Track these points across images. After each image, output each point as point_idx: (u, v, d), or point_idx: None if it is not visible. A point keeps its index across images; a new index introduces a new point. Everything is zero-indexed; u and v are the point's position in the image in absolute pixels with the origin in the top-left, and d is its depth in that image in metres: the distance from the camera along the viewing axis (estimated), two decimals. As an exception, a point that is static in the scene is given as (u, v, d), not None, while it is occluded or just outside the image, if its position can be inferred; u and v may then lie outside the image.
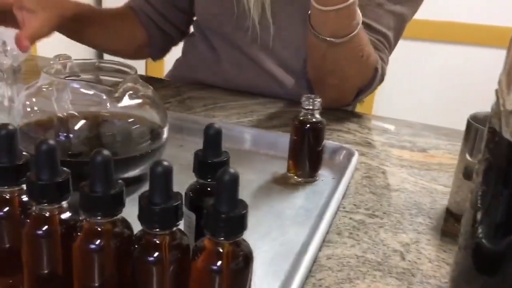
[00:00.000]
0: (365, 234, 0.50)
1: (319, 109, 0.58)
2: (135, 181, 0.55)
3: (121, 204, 0.33)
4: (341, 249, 0.47)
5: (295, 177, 0.60)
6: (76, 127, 0.51)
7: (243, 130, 0.71)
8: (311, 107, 0.58)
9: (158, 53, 1.04)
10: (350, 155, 0.62)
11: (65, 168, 0.35)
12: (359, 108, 1.06)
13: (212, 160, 0.39)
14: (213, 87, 0.96)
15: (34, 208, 0.34)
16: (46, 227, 0.34)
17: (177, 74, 1.05)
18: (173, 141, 0.69)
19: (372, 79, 0.82)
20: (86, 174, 0.47)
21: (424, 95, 2.12)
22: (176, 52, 1.08)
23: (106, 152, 0.32)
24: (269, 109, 0.86)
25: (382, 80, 0.85)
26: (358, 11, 0.72)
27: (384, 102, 1.99)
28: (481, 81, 2.03)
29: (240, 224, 0.31)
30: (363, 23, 0.83)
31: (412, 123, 0.85)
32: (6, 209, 0.36)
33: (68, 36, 0.92)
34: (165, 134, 0.56)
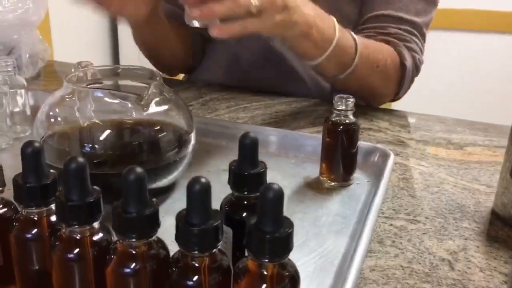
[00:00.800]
0: (409, 242, 0.47)
1: (352, 110, 0.55)
2: (164, 191, 0.53)
3: (156, 225, 0.31)
4: (384, 259, 0.44)
5: (329, 181, 0.57)
6: (102, 137, 0.49)
7: (270, 133, 0.68)
8: (344, 108, 0.55)
9: (201, 55, 1.00)
10: (385, 156, 0.59)
11: (95, 187, 0.32)
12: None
13: (248, 171, 0.36)
14: (233, 87, 0.94)
15: (64, 230, 0.32)
16: (77, 250, 0.32)
17: (195, 76, 1.02)
18: (199, 145, 0.67)
19: (402, 75, 0.79)
20: (113, 185, 0.46)
21: (441, 88, 2.06)
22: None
23: (139, 169, 0.30)
24: (294, 108, 0.83)
25: (417, 69, 0.82)
26: (348, 36, 0.71)
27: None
28: (499, 70, 1.98)
29: (286, 244, 0.29)
30: (389, 16, 0.80)
31: (444, 118, 0.81)
32: (34, 231, 0.34)
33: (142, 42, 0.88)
34: (192, 141, 0.54)
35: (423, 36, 0.84)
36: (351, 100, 0.55)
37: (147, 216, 0.30)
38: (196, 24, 0.59)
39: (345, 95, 0.55)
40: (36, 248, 0.34)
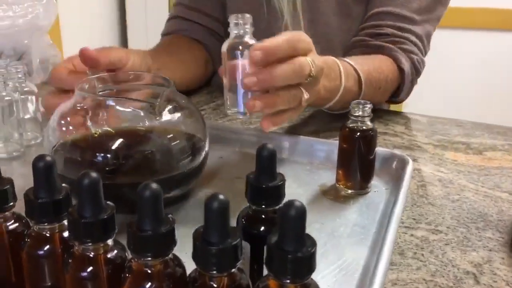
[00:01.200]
0: (431, 253, 0.45)
1: (370, 116, 0.54)
2: (177, 200, 0.52)
3: (173, 243, 0.29)
4: (406, 272, 0.43)
5: (345, 188, 0.56)
6: (114, 146, 0.48)
7: (284, 138, 0.67)
8: (361, 114, 0.53)
9: (218, 59, 0.97)
10: (403, 162, 0.58)
11: (109, 202, 0.31)
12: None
13: (266, 184, 0.35)
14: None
15: (77, 247, 0.31)
16: (90, 268, 0.31)
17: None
18: (211, 152, 0.65)
19: (401, 81, 0.79)
20: (125, 196, 0.45)
21: (454, 89, 2.03)
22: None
23: (154, 185, 0.29)
24: (307, 113, 0.82)
25: (417, 70, 0.80)
26: (352, 74, 0.69)
27: (413, 96, 1.91)
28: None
29: (308, 264, 0.27)
30: (389, 13, 0.78)
31: (461, 121, 0.79)
32: (46, 247, 0.33)
33: None
34: (206, 148, 0.52)
35: (427, 35, 0.81)
36: (368, 106, 0.53)
37: (164, 234, 0.29)
38: (240, 112, 0.55)
39: (362, 101, 0.54)
40: (48, 265, 0.33)
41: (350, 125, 0.54)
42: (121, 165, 0.47)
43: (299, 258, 0.27)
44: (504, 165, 0.63)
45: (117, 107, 0.49)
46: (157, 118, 0.47)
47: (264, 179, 0.35)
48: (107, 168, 0.46)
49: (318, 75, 0.56)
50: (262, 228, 0.36)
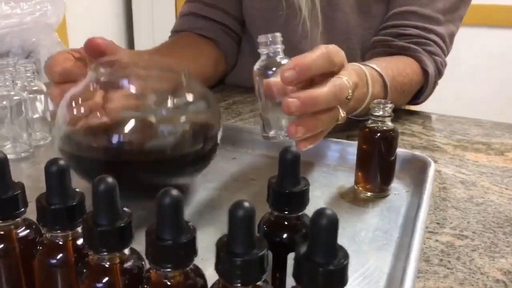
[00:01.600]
0: (458, 260, 0.43)
1: (391, 116, 0.52)
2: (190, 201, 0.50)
3: (194, 253, 0.28)
4: (433, 280, 0.41)
5: (364, 191, 0.54)
6: (126, 129, 0.45)
7: (299, 138, 0.65)
8: (381, 114, 0.52)
9: (232, 58, 0.95)
10: (424, 164, 0.55)
11: (126, 209, 0.30)
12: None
13: (290, 190, 0.33)
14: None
15: (91, 256, 0.29)
16: (106, 278, 0.29)
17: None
18: (224, 153, 0.64)
19: (424, 83, 0.77)
20: (137, 178, 0.44)
21: (466, 87, 2.00)
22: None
23: (175, 192, 0.27)
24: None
25: (440, 73, 0.79)
26: (378, 81, 0.67)
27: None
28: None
29: (341, 277, 0.26)
30: (414, 13, 0.77)
31: (480, 120, 0.77)
32: (59, 256, 0.31)
33: None
34: (219, 135, 0.51)
35: (450, 35, 0.80)
36: (389, 106, 0.51)
37: (184, 244, 0.27)
38: (282, 136, 0.53)
39: (383, 100, 0.52)
40: (61, 275, 0.32)
41: (371, 125, 0.52)
42: (132, 146, 0.45)
43: (331, 271, 0.25)
44: (528, 166, 0.61)
45: (131, 90, 0.47)
46: (170, 102, 0.46)
47: (288, 184, 0.33)
48: (118, 151, 0.44)
49: (354, 94, 0.54)
50: (285, 235, 0.34)
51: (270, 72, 0.52)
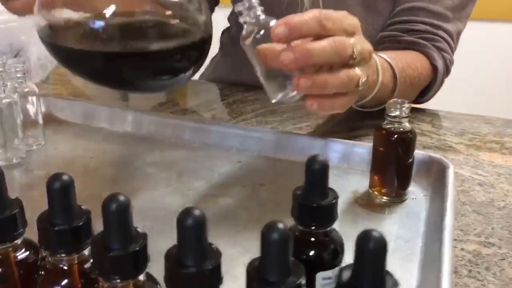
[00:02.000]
0: (487, 270, 0.41)
1: (408, 116, 0.49)
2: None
3: (219, 281, 0.25)
4: (464, 294, 0.38)
5: (380, 196, 0.51)
6: (109, 14, 0.43)
7: (306, 140, 0.62)
8: (398, 114, 0.49)
9: None
10: (441, 166, 0.53)
11: (138, 228, 0.26)
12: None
13: (318, 203, 0.30)
14: (258, 87, 0.87)
15: (102, 283, 0.26)
16: (119, 309, 0.26)
17: (215, 76, 0.96)
18: (228, 156, 0.61)
19: (432, 80, 0.75)
20: (119, 68, 0.43)
21: (470, 83, 1.97)
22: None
23: (197, 211, 0.24)
24: (326, 110, 0.77)
25: (448, 70, 0.76)
26: (388, 70, 0.64)
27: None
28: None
29: (390, 307, 0.23)
30: (422, 9, 0.74)
31: (490, 118, 0.75)
32: (64, 282, 0.28)
33: None
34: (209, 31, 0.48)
35: (457, 33, 0.78)
36: (406, 106, 0.49)
37: (209, 271, 0.24)
38: (290, 96, 0.49)
39: (399, 100, 0.49)
40: (66, 303, 0.28)
41: (387, 127, 0.49)
42: (114, 32, 0.43)
43: (379, 301, 0.22)
44: (546, 166, 0.59)
45: None
46: None
47: (315, 196, 0.30)
48: (100, 36, 0.43)
49: (365, 57, 0.50)
50: (312, 253, 0.31)
51: (259, 36, 0.49)
